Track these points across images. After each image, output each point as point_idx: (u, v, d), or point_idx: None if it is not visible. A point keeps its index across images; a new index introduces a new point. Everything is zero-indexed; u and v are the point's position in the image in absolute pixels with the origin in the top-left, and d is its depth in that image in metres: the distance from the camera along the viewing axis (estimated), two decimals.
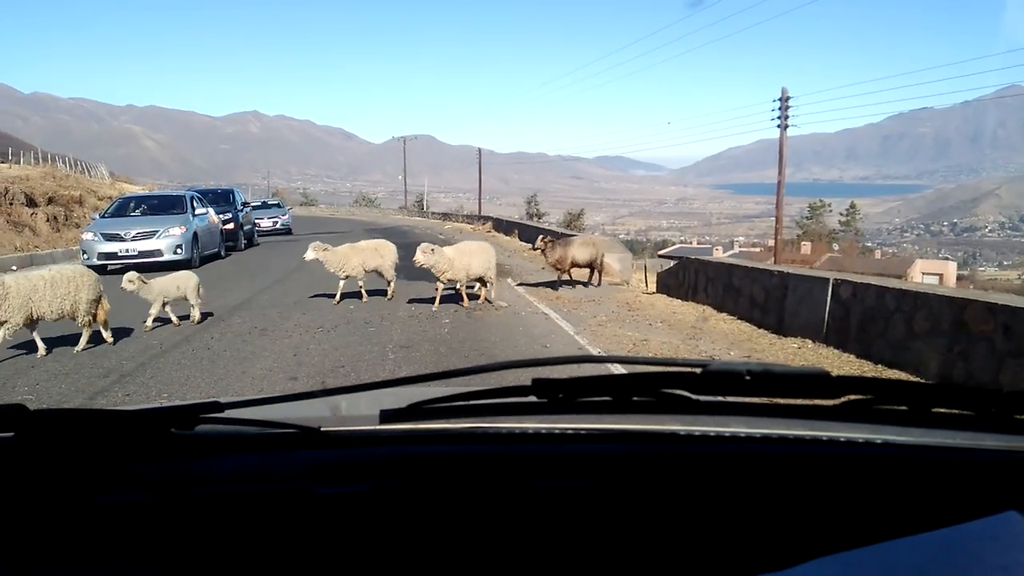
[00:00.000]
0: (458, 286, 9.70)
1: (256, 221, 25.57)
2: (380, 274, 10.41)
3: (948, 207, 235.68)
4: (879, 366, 6.69)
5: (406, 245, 21.54)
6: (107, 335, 7.72)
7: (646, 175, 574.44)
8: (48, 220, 26.96)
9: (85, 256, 15.64)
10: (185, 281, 8.75)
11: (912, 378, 6.13)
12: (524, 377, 1.05)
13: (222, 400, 1.05)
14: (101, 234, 15.65)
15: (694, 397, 0.99)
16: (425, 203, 78.64)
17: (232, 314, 9.50)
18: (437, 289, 9.67)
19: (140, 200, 18.56)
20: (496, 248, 21.84)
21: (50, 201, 27.87)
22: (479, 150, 62.77)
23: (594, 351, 7.31)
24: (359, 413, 1.28)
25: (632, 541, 0.93)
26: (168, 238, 15.61)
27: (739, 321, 9.08)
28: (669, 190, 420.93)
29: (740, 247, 75.15)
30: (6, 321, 6.73)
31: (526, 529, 0.93)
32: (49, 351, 7.20)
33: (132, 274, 8.49)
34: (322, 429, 1.04)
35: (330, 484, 0.94)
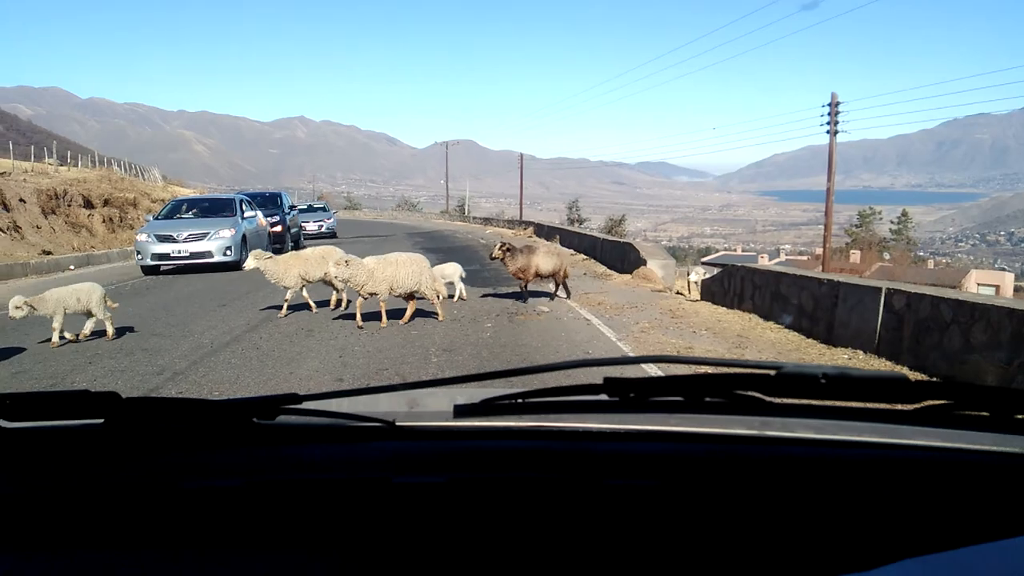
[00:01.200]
0: (380, 301, 8.67)
1: (302, 224, 26.04)
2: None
3: (1005, 216, 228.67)
4: (934, 379, 6.52)
5: (447, 249, 21.80)
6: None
7: (690, 181, 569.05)
8: (104, 221, 27.76)
9: (139, 256, 16.08)
10: (87, 293, 7.96)
11: None
12: (594, 376, 1.06)
13: (301, 393, 1.07)
14: (155, 236, 16.08)
15: (767, 399, 0.99)
16: (467, 207, 79.03)
17: (279, 314, 9.65)
18: (358, 306, 8.70)
19: (192, 203, 19.01)
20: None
21: (106, 203, 28.71)
22: (521, 155, 62.91)
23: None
24: (433, 408, 1.31)
25: (704, 541, 0.93)
26: (218, 240, 15.98)
27: (786, 330, 8.91)
28: (713, 196, 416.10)
29: (786, 255, 73.86)
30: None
31: (597, 525, 0.94)
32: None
33: (17, 298, 7.55)
34: (396, 423, 1.06)
35: (407, 475, 0.97)
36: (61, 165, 34.96)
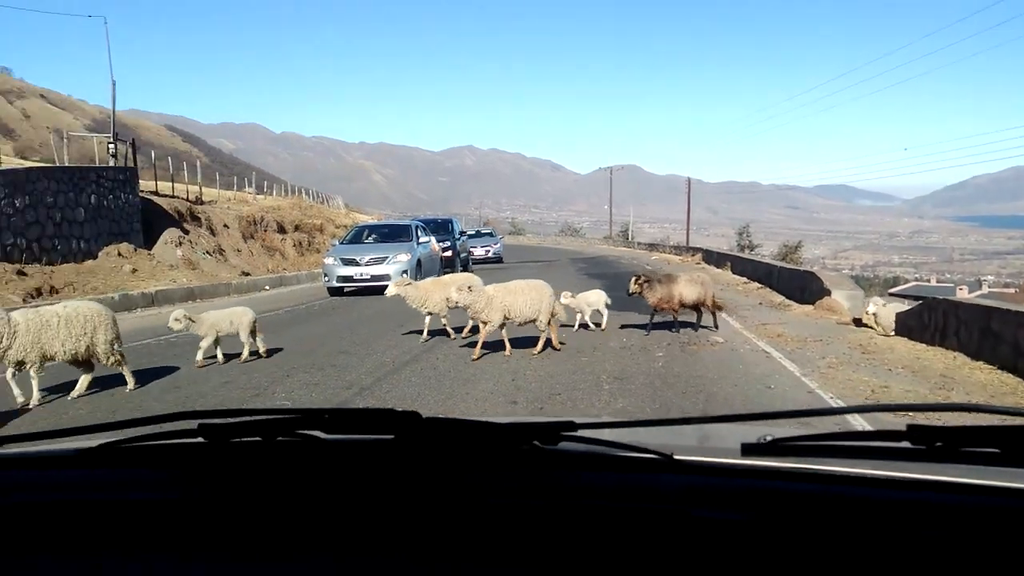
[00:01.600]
0: (486, 329, 8.54)
1: (470, 249, 26.90)
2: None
3: None
4: None
5: (611, 275, 21.64)
6: (130, 380, 7.10)
7: (873, 206, 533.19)
8: (294, 245, 30.09)
9: (326, 279, 17.28)
10: (240, 317, 8.29)
11: None
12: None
13: (576, 420, 1.10)
14: (340, 259, 17.23)
15: None
16: (630, 233, 78.44)
17: (454, 336, 9.96)
18: (482, 332, 8.53)
19: (373, 229, 20.22)
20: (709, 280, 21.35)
21: (296, 228, 31.12)
22: (688, 180, 61.62)
23: (826, 396, 6.79)
24: (712, 444, 1.30)
25: None
26: (396, 264, 16.83)
27: (999, 371, 7.96)
28: (901, 222, 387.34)
29: (989, 287, 66.65)
30: (22, 361, 6.26)
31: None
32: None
33: (179, 312, 8.02)
34: (675, 456, 1.06)
35: (703, 509, 0.95)
36: (259, 194, 38.31)
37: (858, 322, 11.71)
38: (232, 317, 8.25)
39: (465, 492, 1.02)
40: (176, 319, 7.86)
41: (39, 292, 15.33)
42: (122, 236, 20.83)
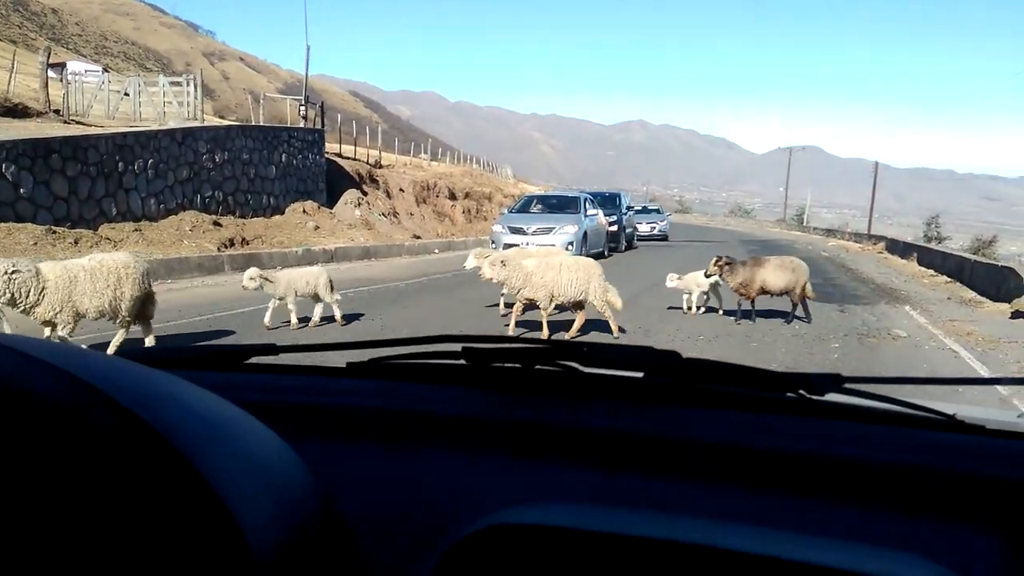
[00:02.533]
0: (542, 310, 7.92)
1: (636, 225, 26.55)
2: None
3: None
4: None
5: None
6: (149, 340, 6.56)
7: None
8: (464, 212, 31.06)
9: (493, 245, 17.69)
10: (315, 277, 7.93)
11: None
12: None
13: (841, 374, 1.06)
14: (508, 227, 17.58)
15: None
16: (806, 217, 74.36)
17: (617, 315, 9.95)
18: (515, 312, 7.99)
19: (542, 199, 20.42)
20: (890, 272, 19.90)
21: (466, 196, 32.09)
22: (875, 164, 57.33)
23: (1021, 404, 6.20)
24: (990, 414, 1.22)
25: None
26: (562, 235, 16.95)
27: None
28: None
29: None
30: (52, 320, 5.71)
31: None
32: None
33: (253, 270, 7.69)
34: (956, 416, 1.01)
35: (988, 469, 0.89)
36: (432, 160, 39.77)
37: None
38: (308, 277, 7.93)
39: (728, 433, 0.97)
40: (251, 278, 7.53)
41: (231, 242, 16.67)
42: (307, 194, 22.21)
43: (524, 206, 19.58)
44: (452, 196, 31.15)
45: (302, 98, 25.93)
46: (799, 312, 9.61)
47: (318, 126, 25.42)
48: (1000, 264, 16.43)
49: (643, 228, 28.83)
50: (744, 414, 1.02)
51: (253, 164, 20.04)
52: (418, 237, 24.20)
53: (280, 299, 7.76)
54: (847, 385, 1.02)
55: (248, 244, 17.15)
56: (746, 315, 9.54)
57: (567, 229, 17.15)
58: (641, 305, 10.66)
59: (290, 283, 7.75)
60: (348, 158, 27.78)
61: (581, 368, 1.11)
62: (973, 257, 19.94)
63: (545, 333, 7.85)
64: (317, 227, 20.50)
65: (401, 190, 28.31)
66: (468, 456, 0.98)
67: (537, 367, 1.12)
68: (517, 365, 1.13)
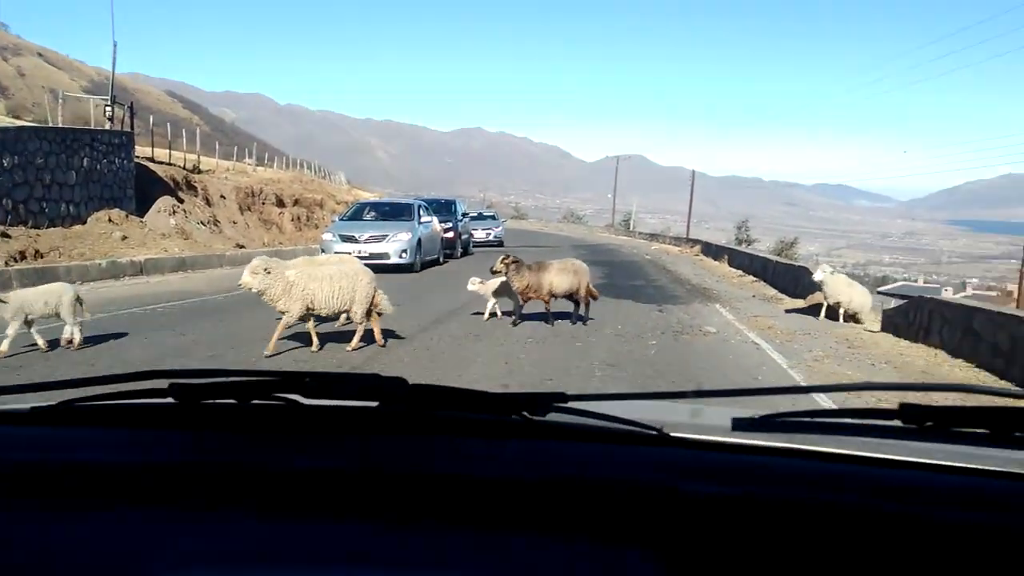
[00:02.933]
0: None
1: (472, 231, 26.78)
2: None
3: None
4: None
5: (610, 263, 21.65)
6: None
7: (871, 206, 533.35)
8: (292, 220, 29.96)
9: (324, 254, 17.16)
10: (57, 296, 7.12)
11: None
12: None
13: (568, 392, 1.08)
14: (339, 235, 17.13)
15: None
16: (632, 223, 78.34)
17: (448, 318, 9.96)
18: (279, 327, 7.44)
19: (374, 206, 20.11)
20: (704, 273, 21.36)
21: (295, 203, 30.98)
22: (692, 172, 61.51)
23: (821, 400, 6.81)
24: (702, 421, 1.28)
25: None
26: (396, 243, 16.77)
27: (977, 369, 8.11)
28: (895, 223, 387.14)
29: (973, 289, 67.32)
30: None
31: (903, 558, 0.85)
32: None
33: None
34: (665, 431, 1.04)
35: (690, 484, 0.93)
36: (259, 165, 38.09)
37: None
38: (48, 296, 7.09)
39: (451, 461, 0.99)
40: None
41: (23, 255, 15.04)
42: (114, 202, 20.47)
43: (356, 213, 19.17)
44: (280, 203, 29.98)
45: (108, 98, 23.98)
46: (581, 312, 9.72)
47: (128, 128, 23.61)
48: (796, 264, 18.19)
49: (478, 234, 29.04)
50: (468, 440, 1.02)
51: (49, 169, 18.19)
52: (241, 246, 23.03)
53: (15, 321, 6.85)
54: (571, 404, 1.05)
55: (43, 256, 15.54)
56: (541, 317, 9.53)
57: (400, 236, 16.96)
58: (472, 310, 10.72)
59: (23, 304, 6.89)
60: (163, 163, 26.01)
61: (303, 401, 1.05)
62: (774, 258, 21.87)
63: (315, 346, 7.56)
64: (125, 237, 18.94)
65: (223, 197, 26.86)
66: (143, 513, 0.88)
67: (254, 402, 1.05)
68: (231, 401, 1.05)
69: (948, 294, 50.13)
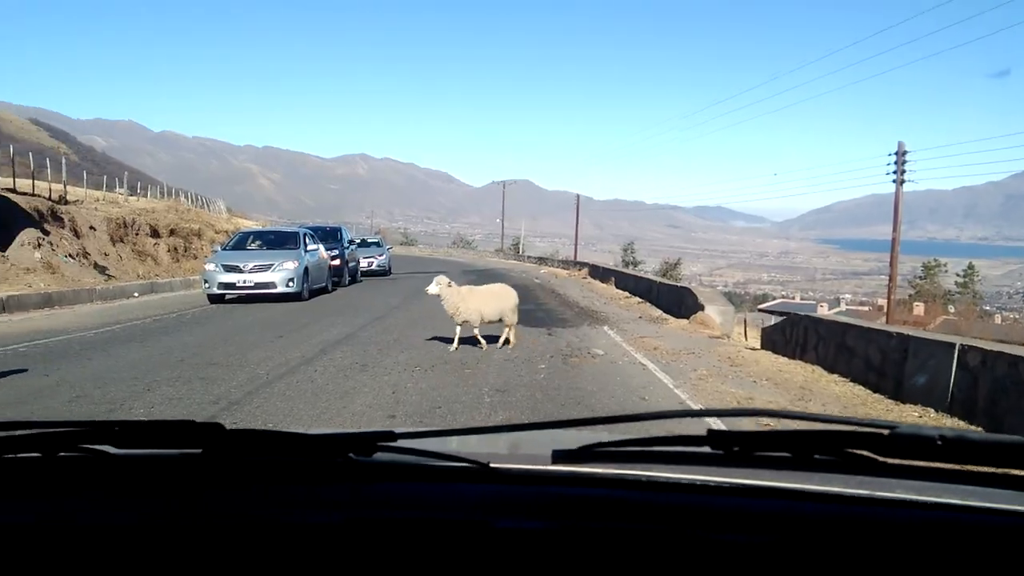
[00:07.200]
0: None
1: (358, 259, 26.08)
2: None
3: None
4: None
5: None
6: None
7: (747, 227, 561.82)
8: (169, 250, 28.61)
9: (207, 285, 16.53)
10: None
11: None
12: (688, 427, 1.00)
13: (396, 430, 1.08)
14: (222, 265, 16.54)
15: (879, 459, 0.98)
16: (521, 247, 79.50)
17: (335, 348, 9.72)
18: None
19: (258, 235, 19.52)
20: (592, 295, 21.83)
21: (172, 233, 29.62)
22: (577, 196, 63.05)
23: (695, 406, 7.04)
24: (528, 451, 1.31)
25: None
26: (282, 272, 16.36)
27: (852, 384, 8.56)
28: (771, 243, 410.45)
29: (847, 305, 71.79)
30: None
31: None
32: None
33: None
34: (492, 465, 1.06)
35: (506, 519, 0.95)
36: (131, 195, 36.25)
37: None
38: None
39: (272, 508, 0.97)
40: None
41: None
42: None
43: (239, 243, 18.51)
44: (155, 233, 28.57)
45: None
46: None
47: None
48: (679, 285, 18.92)
49: (362, 263, 27.82)
50: (290, 486, 1.00)
51: None
52: (111, 278, 21.77)
53: None
54: (399, 442, 1.05)
55: None
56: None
57: (287, 265, 16.54)
58: (359, 340, 10.52)
59: None
60: (25, 193, 24.29)
61: (113, 451, 1.02)
62: (659, 280, 22.66)
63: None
64: None
65: (92, 228, 25.34)
66: None
67: (61, 454, 1.01)
68: (36, 454, 1.01)
69: (824, 310, 53.03)
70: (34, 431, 1.02)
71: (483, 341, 9.75)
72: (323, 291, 18.85)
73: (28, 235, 21.14)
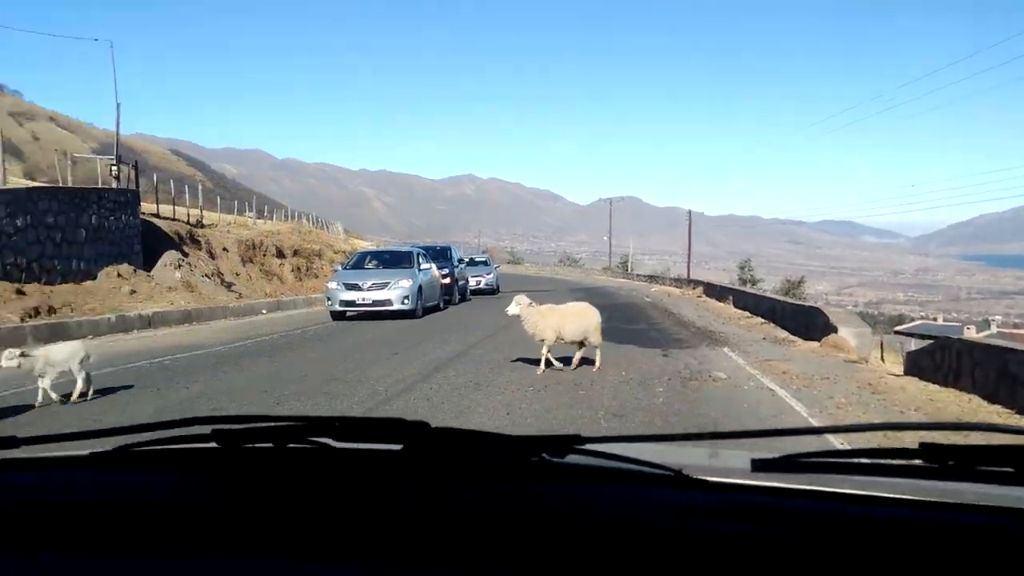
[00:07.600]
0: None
1: (467, 277, 26.32)
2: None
3: None
4: None
5: (609, 306, 21.42)
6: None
7: (879, 242, 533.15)
8: (293, 270, 29.98)
9: (329, 302, 17.22)
10: (75, 352, 7.46)
11: None
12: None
13: (582, 434, 1.11)
14: (343, 284, 17.25)
15: None
16: (630, 264, 78.47)
17: (448, 366, 9.76)
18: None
19: (375, 255, 20.23)
20: (708, 315, 21.14)
21: (295, 253, 31.04)
22: (689, 211, 61.68)
23: (835, 440, 6.52)
24: (722, 463, 1.29)
25: None
26: (398, 289, 16.87)
27: (1019, 415, 7.69)
28: (907, 259, 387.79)
29: (998, 327, 65.04)
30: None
31: None
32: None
33: (11, 351, 7.20)
34: (684, 472, 1.04)
35: (708, 525, 0.94)
36: (259, 219, 38.23)
37: None
38: (68, 352, 7.43)
39: (472, 502, 1.01)
40: (9, 357, 7.03)
41: (37, 311, 15.25)
42: (122, 257, 20.79)
43: (358, 262, 19.27)
44: (280, 254, 29.99)
45: (113, 157, 24.23)
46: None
47: (133, 186, 23.88)
48: (807, 305, 17.87)
49: (471, 282, 27.97)
50: (488, 483, 1.04)
51: (59, 228, 18.56)
52: (241, 296, 22.95)
53: (40, 376, 7.19)
54: (588, 446, 1.07)
55: (56, 312, 15.73)
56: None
57: (402, 283, 17.05)
58: (471, 358, 10.52)
59: (49, 360, 7.25)
60: (167, 218, 26.17)
61: (334, 444, 1.10)
62: (783, 299, 21.61)
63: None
64: (133, 291, 19.00)
65: (225, 249, 26.88)
66: (191, 553, 0.95)
67: (290, 446, 1.11)
68: (269, 445, 1.11)
69: (971, 332, 49.20)
70: (269, 424, 1.13)
71: (556, 362, 9.37)
72: (435, 309, 19.20)
73: (170, 257, 22.65)
